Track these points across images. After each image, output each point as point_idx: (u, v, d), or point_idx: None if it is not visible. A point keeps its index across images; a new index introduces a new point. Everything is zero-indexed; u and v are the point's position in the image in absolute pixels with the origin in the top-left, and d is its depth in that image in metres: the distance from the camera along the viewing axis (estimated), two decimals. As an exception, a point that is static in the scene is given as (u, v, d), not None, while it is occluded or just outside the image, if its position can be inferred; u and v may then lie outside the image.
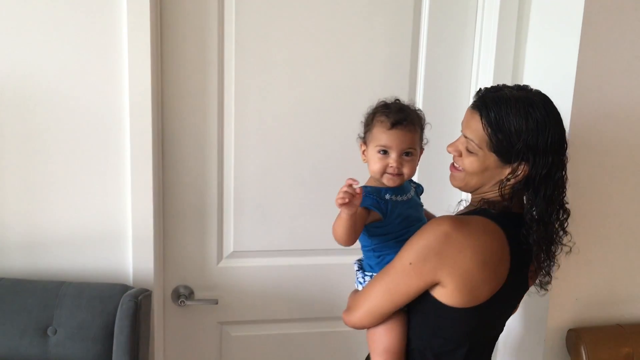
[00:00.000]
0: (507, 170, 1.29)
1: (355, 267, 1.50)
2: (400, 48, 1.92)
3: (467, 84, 1.98)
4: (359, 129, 1.47)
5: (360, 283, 1.46)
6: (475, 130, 1.29)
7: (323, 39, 1.87)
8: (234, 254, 1.96)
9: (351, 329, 1.43)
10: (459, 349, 1.35)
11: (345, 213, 1.27)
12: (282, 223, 1.95)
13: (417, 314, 1.37)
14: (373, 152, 1.38)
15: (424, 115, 1.44)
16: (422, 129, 1.42)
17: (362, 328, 1.40)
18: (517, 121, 1.24)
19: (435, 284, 1.28)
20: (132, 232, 1.79)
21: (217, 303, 1.93)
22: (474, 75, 1.97)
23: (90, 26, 1.68)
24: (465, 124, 1.33)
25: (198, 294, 1.96)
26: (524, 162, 1.26)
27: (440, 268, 1.25)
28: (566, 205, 1.35)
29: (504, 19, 1.87)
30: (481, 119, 1.27)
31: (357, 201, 1.27)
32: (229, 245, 1.96)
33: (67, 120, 1.71)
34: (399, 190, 1.41)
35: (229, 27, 1.82)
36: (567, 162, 1.31)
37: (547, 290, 1.44)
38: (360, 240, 1.43)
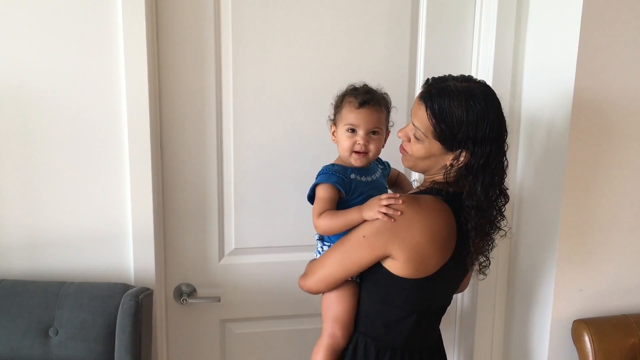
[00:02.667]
0: (451, 157, 1.39)
1: (316, 237, 1.59)
2: (399, 42, 1.91)
3: (468, 71, 1.93)
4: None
5: (319, 252, 1.57)
6: (421, 119, 1.38)
7: (321, 35, 1.86)
8: (236, 251, 1.95)
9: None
10: (407, 318, 1.46)
11: (374, 220, 1.36)
12: (283, 219, 1.94)
13: (368, 283, 1.48)
14: (342, 131, 1.49)
15: (390, 99, 1.54)
16: (388, 110, 1.53)
17: (316, 293, 1.53)
18: (459, 113, 1.33)
19: (386, 256, 1.39)
20: (132, 231, 1.78)
21: (219, 301, 1.92)
22: (474, 63, 1.96)
23: (86, 24, 1.66)
24: (413, 112, 1.42)
25: (200, 292, 1.95)
26: (465, 150, 1.35)
27: (391, 242, 1.36)
28: (506, 190, 1.44)
29: (504, 6, 1.86)
30: (426, 110, 1.37)
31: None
32: (230, 243, 1.95)
33: (64, 120, 1.70)
34: (364, 171, 1.52)
35: (226, 25, 1.80)
36: (506, 150, 1.40)
37: (485, 274, 1.55)
38: None
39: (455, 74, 1.48)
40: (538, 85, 1.83)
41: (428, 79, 1.44)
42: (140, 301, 1.56)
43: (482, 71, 1.92)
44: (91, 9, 1.66)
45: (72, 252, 1.77)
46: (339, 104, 1.52)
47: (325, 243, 1.56)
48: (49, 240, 1.75)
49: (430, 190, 1.44)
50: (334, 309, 1.51)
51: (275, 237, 1.95)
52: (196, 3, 1.77)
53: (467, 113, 1.33)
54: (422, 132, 1.39)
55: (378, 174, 1.58)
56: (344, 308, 1.50)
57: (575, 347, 1.75)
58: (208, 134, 1.86)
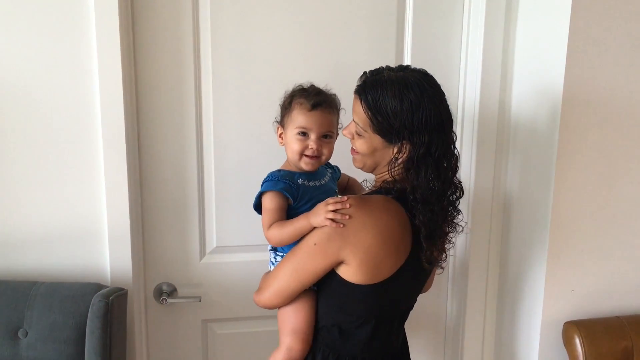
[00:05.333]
0: (394, 150, 1.34)
1: (269, 248, 1.51)
2: (385, 33, 1.85)
3: (456, 67, 1.91)
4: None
5: (272, 263, 1.50)
6: (358, 113, 1.35)
7: (303, 28, 1.80)
8: (217, 250, 1.91)
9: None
10: (365, 325, 1.40)
11: (325, 227, 1.30)
12: (266, 216, 1.88)
13: (324, 292, 1.41)
14: (292, 135, 1.42)
15: (339, 100, 1.49)
16: (338, 113, 1.48)
17: (272, 308, 1.45)
18: (393, 103, 1.29)
19: (339, 263, 1.33)
20: (108, 228, 1.73)
21: (200, 300, 1.87)
22: (463, 58, 1.90)
23: (57, 17, 1.61)
24: (353, 108, 1.39)
25: (181, 292, 1.90)
26: (405, 142, 1.31)
27: (343, 247, 1.30)
28: (459, 183, 1.39)
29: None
30: (361, 103, 1.33)
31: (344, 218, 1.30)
32: (212, 241, 1.90)
33: (34, 115, 1.65)
34: (312, 175, 1.46)
35: (204, 17, 1.75)
36: (454, 139, 1.35)
37: (442, 268, 1.48)
38: None
39: (443, 70, 1.48)
40: (528, 80, 1.77)
41: (365, 72, 1.39)
42: (111, 302, 1.51)
43: (471, 67, 1.87)
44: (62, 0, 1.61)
45: (44, 250, 1.72)
46: (288, 105, 1.45)
47: (278, 253, 1.49)
48: (21, 239, 1.70)
49: (379, 190, 1.39)
50: (293, 321, 1.43)
51: (258, 235, 1.82)
52: (173, -7, 1.72)
53: (401, 103, 1.28)
54: (362, 127, 1.36)
55: (327, 177, 1.52)
56: (302, 320, 1.42)
57: (565, 350, 1.68)
58: (187, 128, 1.81)
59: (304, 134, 1.41)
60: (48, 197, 1.70)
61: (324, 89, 1.47)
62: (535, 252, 1.74)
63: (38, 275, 1.71)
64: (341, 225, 1.28)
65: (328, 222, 1.29)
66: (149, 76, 1.75)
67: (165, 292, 1.87)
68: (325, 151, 1.43)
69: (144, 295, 1.88)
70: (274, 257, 1.50)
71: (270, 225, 1.40)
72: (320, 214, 1.30)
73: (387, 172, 1.38)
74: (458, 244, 1.97)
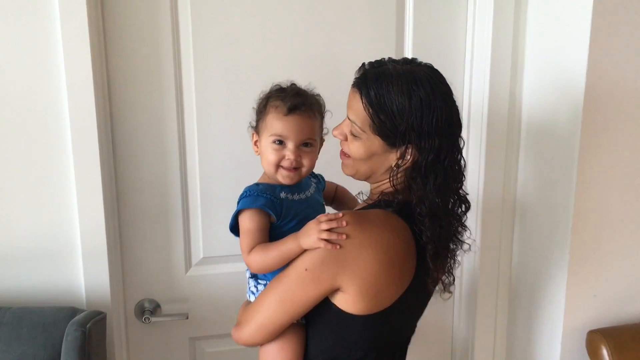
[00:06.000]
0: (395, 155, 1.16)
1: (248, 275, 1.33)
2: (384, 23, 1.69)
3: (462, 54, 1.75)
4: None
5: (253, 293, 1.30)
6: (356, 110, 1.17)
7: (296, 8, 1.62)
8: (205, 260, 1.73)
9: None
10: (365, 358, 1.21)
11: (318, 249, 1.12)
12: (258, 222, 1.71)
13: (316, 324, 1.23)
14: (267, 143, 1.24)
15: (323, 101, 1.29)
16: (322, 116, 1.28)
17: (254, 345, 1.25)
18: (399, 100, 1.11)
19: (335, 290, 1.15)
20: (81, 243, 1.54)
21: (187, 318, 1.69)
22: (469, 41, 1.74)
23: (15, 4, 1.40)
24: (348, 104, 1.21)
25: (165, 308, 1.72)
26: (410, 146, 1.13)
27: (339, 272, 1.12)
28: (465, 196, 1.23)
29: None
30: (361, 98, 1.15)
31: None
32: (198, 251, 1.73)
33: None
34: (296, 187, 1.28)
35: (184, -1, 1.56)
36: (462, 145, 1.19)
37: (451, 292, 1.29)
38: None
39: (448, 63, 1.33)
40: (542, 73, 1.63)
41: (364, 63, 1.21)
42: (88, 330, 1.31)
43: (479, 59, 1.72)
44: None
45: (8, 271, 1.52)
46: (262, 108, 1.26)
47: (260, 281, 1.29)
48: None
49: (378, 203, 1.21)
50: (278, 359, 1.24)
51: None
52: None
53: (409, 100, 1.11)
54: (359, 127, 1.17)
55: (312, 189, 1.33)
56: (290, 355, 1.23)
57: (590, 361, 1.56)
58: (168, 126, 1.62)
59: (280, 142, 1.22)
60: (9, 208, 1.50)
61: (306, 88, 1.28)
62: (554, 258, 1.60)
63: (3, 300, 1.50)
64: (337, 247, 1.10)
65: (322, 244, 1.10)
66: (121, 67, 1.56)
67: (147, 310, 1.69)
68: (305, 162, 1.24)
69: (124, 315, 1.69)
70: (255, 286, 1.30)
71: (251, 249, 1.20)
72: (312, 234, 1.12)
73: (385, 181, 1.21)
74: (466, 257, 1.81)
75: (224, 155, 1.67)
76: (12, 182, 1.49)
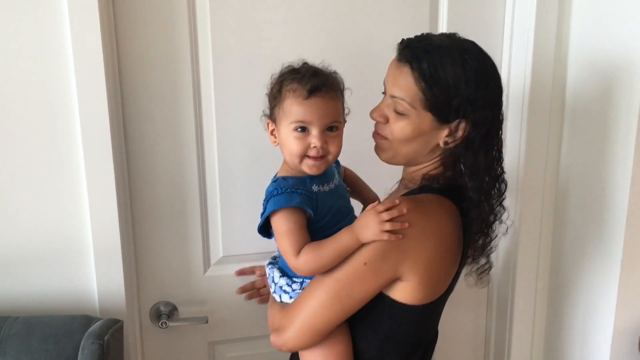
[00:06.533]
0: (445, 132, 1.13)
1: (276, 274, 1.24)
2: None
3: (500, 24, 1.63)
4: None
5: (285, 292, 1.20)
6: (405, 86, 1.11)
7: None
8: (224, 260, 1.61)
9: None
10: (414, 354, 1.21)
11: (381, 240, 1.06)
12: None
13: (364, 320, 1.16)
14: (287, 132, 1.13)
15: (342, 78, 1.19)
16: (343, 95, 1.19)
17: (301, 349, 1.18)
18: (454, 71, 1.07)
19: (394, 281, 1.11)
20: (93, 243, 1.41)
21: (207, 322, 1.57)
22: (509, 8, 1.62)
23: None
24: (391, 81, 1.15)
25: (183, 311, 1.60)
26: (463, 120, 1.10)
27: (401, 262, 1.08)
28: (504, 174, 1.20)
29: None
30: (412, 72, 1.09)
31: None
32: (217, 250, 1.61)
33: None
34: (324, 177, 1.19)
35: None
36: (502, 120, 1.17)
37: (487, 281, 1.29)
38: (276, 245, 1.18)
39: (485, 35, 1.33)
40: (592, 43, 1.49)
41: (403, 40, 1.15)
42: (106, 343, 1.19)
43: (519, 31, 1.59)
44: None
45: (15, 274, 1.40)
46: (277, 93, 1.16)
47: (295, 280, 1.20)
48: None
49: (427, 187, 1.16)
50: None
51: (271, 241, 1.59)
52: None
53: (463, 71, 1.07)
54: (408, 103, 1.10)
55: (337, 176, 1.24)
56: (342, 354, 1.16)
57: (644, 364, 1.45)
58: (184, 117, 1.49)
59: (303, 129, 1.12)
60: (15, 207, 1.37)
61: (321, 66, 1.18)
62: (604, 251, 1.48)
63: (8, 308, 1.38)
64: (400, 237, 1.04)
65: (385, 236, 1.04)
66: (134, 54, 1.42)
67: (164, 314, 1.57)
68: (332, 148, 1.14)
69: (139, 320, 1.57)
70: (288, 284, 1.20)
71: (297, 251, 1.10)
72: (373, 227, 1.05)
73: (428, 163, 1.17)
74: (501, 245, 1.70)
75: (244, 149, 1.54)
76: (18, 179, 1.36)
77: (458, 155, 1.14)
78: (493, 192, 1.16)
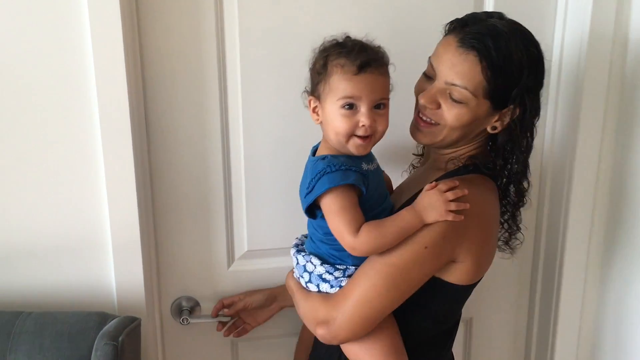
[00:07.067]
0: (495, 118, 1.13)
1: (315, 261, 1.17)
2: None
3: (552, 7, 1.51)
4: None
5: (326, 281, 1.15)
6: (468, 74, 1.08)
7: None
8: (249, 254, 1.54)
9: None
10: (455, 331, 1.27)
11: (438, 222, 1.06)
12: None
13: (416, 304, 1.13)
14: (334, 109, 1.08)
15: (387, 54, 1.13)
16: (388, 72, 1.13)
17: (351, 340, 1.13)
18: (520, 59, 1.07)
19: (447, 264, 1.11)
20: (111, 236, 1.35)
21: (231, 319, 1.51)
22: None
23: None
24: (448, 67, 1.10)
25: (205, 308, 1.53)
26: (516, 106, 1.10)
27: (458, 244, 1.09)
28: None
29: None
30: (479, 60, 1.06)
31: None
32: (242, 244, 1.54)
33: (15, 97, 1.25)
34: (369, 156, 1.17)
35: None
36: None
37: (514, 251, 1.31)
38: (320, 228, 1.15)
39: (535, 14, 1.34)
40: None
41: (453, 21, 1.14)
42: (121, 343, 1.12)
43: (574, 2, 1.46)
44: None
45: (29, 268, 1.34)
46: (321, 69, 1.09)
47: (338, 267, 1.15)
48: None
49: (474, 167, 1.16)
50: (385, 341, 1.13)
51: (298, 236, 1.51)
52: None
53: (529, 59, 1.07)
54: (471, 92, 1.08)
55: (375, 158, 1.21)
56: (394, 334, 1.15)
57: None
58: (209, 105, 1.41)
59: (351, 106, 1.07)
60: (30, 199, 1.31)
61: (365, 40, 1.11)
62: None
63: (22, 302, 1.32)
64: (462, 217, 1.05)
65: (450, 216, 1.04)
66: (158, 40, 1.34)
67: (185, 309, 1.51)
68: (380, 127, 1.09)
69: (160, 316, 1.51)
70: (329, 272, 1.15)
71: (355, 229, 1.06)
72: (438, 206, 1.05)
73: (470, 146, 1.17)
74: (549, 237, 1.61)
75: (271, 138, 1.46)
76: (33, 171, 1.30)
77: (501, 137, 1.15)
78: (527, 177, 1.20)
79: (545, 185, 1.61)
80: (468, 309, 1.67)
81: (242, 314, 1.49)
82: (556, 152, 1.57)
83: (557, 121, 1.55)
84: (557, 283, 1.61)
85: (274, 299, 1.48)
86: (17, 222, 1.31)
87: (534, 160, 1.55)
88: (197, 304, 1.52)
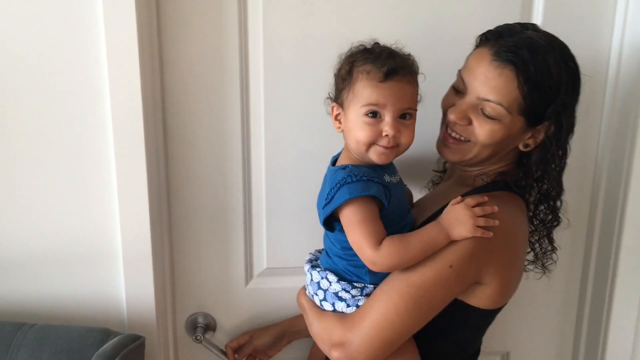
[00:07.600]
0: (528, 135, 1.09)
1: (331, 277, 1.11)
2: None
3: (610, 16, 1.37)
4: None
5: (342, 300, 1.10)
6: (504, 90, 1.04)
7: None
8: (268, 272, 1.49)
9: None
10: (474, 357, 1.22)
11: (465, 240, 1.02)
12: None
13: (435, 327, 1.06)
14: (357, 116, 1.05)
15: (417, 63, 1.09)
16: (417, 81, 1.09)
17: None
18: (559, 75, 1.03)
19: (472, 285, 1.07)
20: (122, 248, 1.30)
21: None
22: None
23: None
24: (482, 81, 1.05)
25: (221, 326, 1.48)
26: (550, 123, 1.06)
27: (485, 265, 1.04)
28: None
29: None
30: (516, 76, 1.02)
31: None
32: (261, 261, 1.48)
33: (27, 106, 1.23)
34: (392, 167, 1.14)
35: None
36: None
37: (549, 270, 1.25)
38: (338, 242, 1.11)
39: (590, 18, 1.23)
40: None
41: (488, 32, 1.09)
42: (117, 366, 1.07)
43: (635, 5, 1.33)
44: None
45: (36, 279, 1.31)
46: (347, 75, 1.06)
47: (355, 285, 1.09)
48: (3, 264, 1.29)
49: (503, 185, 1.12)
50: None
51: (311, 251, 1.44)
52: None
53: (566, 73, 1.04)
54: (505, 108, 1.04)
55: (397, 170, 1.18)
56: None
57: None
58: (230, 114, 1.36)
59: (375, 114, 1.03)
60: (37, 206, 1.28)
61: (394, 47, 1.08)
62: None
63: (26, 313, 1.29)
64: (491, 234, 1.01)
65: (479, 233, 1.00)
66: (174, 36, 1.30)
67: (200, 326, 1.45)
68: (404, 139, 1.05)
69: (173, 332, 1.46)
70: (346, 290, 1.09)
71: (379, 242, 1.01)
72: (466, 222, 1.01)
73: (501, 163, 1.13)
74: (599, 261, 1.50)
75: (294, 150, 1.40)
76: (39, 178, 1.27)
77: (535, 155, 1.10)
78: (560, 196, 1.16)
79: (597, 205, 1.48)
80: (505, 342, 1.57)
81: (252, 353, 1.45)
82: (610, 169, 1.44)
83: (610, 134, 1.41)
84: (606, 314, 1.48)
85: (283, 336, 1.42)
86: (26, 231, 1.29)
87: (585, 178, 1.44)
88: (213, 321, 1.47)
